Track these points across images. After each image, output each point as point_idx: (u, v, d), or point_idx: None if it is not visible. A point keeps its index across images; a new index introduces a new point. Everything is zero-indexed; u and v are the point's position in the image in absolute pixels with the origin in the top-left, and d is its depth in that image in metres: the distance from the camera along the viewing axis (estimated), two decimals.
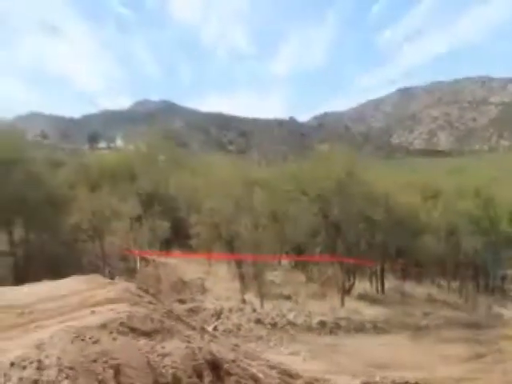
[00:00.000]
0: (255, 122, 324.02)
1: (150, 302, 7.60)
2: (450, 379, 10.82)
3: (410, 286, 26.10)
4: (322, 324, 15.40)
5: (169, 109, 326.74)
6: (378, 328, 16.56)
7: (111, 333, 5.34)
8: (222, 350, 7.05)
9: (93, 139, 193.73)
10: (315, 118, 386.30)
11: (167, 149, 43.56)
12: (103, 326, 5.44)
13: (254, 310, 15.68)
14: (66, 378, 4.14)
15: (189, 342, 6.10)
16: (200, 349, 5.88)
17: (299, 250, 25.99)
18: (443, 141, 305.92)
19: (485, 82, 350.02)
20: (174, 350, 5.49)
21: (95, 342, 4.84)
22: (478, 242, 27.52)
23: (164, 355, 5.29)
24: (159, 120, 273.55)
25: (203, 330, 8.85)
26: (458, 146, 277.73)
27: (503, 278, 34.24)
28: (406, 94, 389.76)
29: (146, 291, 8.88)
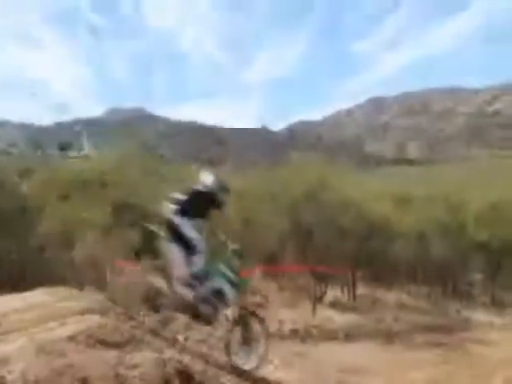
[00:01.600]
0: (229, 130, 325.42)
1: (120, 313, 7.55)
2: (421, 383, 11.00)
3: (381, 293, 26.40)
4: (294, 332, 15.44)
5: (143, 117, 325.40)
6: (349, 335, 16.67)
7: (78, 345, 5.28)
8: (192, 360, 7.04)
9: (64, 147, 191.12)
10: (288, 126, 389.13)
11: (140, 157, 43.18)
12: (70, 339, 5.38)
13: (227, 319, 15.61)
14: None
15: (159, 352, 6.08)
16: (170, 359, 5.87)
17: (270, 259, 26.05)
18: (414, 150, 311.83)
19: (453, 92, 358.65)
20: (144, 361, 5.47)
21: (62, 355, 4.79)
22: (447, 247, 28.10)
23: (133, 367, 5.27)
24: (133, 128, 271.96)
25: (174, 340, 8.81)
26: (428, 155, 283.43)
27: (471, 283, 34.99)
28: (377, 103, 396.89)
29: (116, 302, 8.81)
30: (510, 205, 32.73)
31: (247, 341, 7.24)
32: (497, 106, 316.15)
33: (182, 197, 6.61)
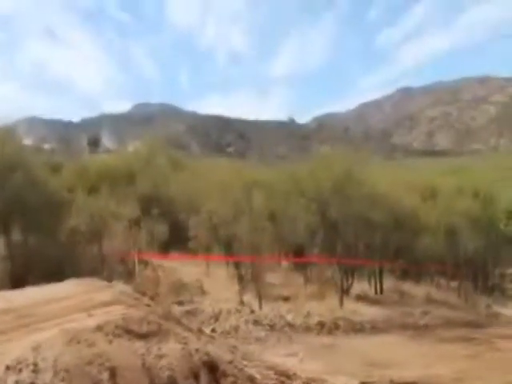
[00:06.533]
0: (255, 123, 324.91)
1: (147, 305, 7.66)
2: (449, 378, 10.84)
3: (408, 286, 26.10)
4: (321, 324, 15.41)
5: (168, 111, 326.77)
6: (376, 328, 16.57)
7: (107, 335, 5.38)
8: (219, 351, 7.10)
9: (92, 143, 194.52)
10: (315, 119, 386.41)
11: (166, 151, 43.64)
12: (99, 329, 5.48)
13: (253, 312, 15.68)
14: (62, 380, 4.20)
15: (185, 343, 6.15)
16: (197, 350, 5.93)
17: (298, 251, 26.02)
18: (442, 140, 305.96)
19: (484, 81, 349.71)
20: (170, 352, 5.54)
21: (91, 345, 4.89)
22: (477, 241, 27.58)
23: (160, 357, 5.34)
24: (159, 123, 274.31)
25: (200, 331, 8.90)
26: (457, 146, 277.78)
27: (502, 277, 34.35)
28: (405, 94, 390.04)
29: (144, 294, 8.95)
30: None
31: None
32: None
33: None
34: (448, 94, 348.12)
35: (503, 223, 32.86)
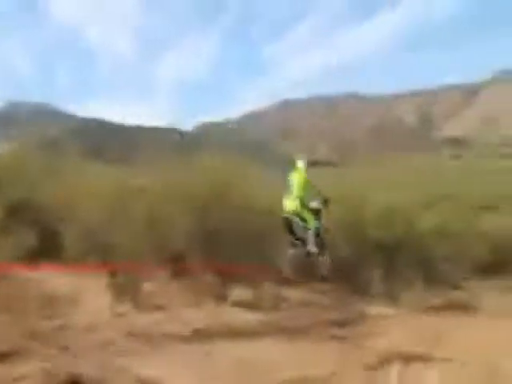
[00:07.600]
0: (138, 129, 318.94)
1: (7, 322, 7.20)
2: (321, 379, 11.41)
3: (286, 291, 26.97)
4: (197, 332, 15.41)
5: (46, 113, 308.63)
6: (254, 333, 16.92)
7: None
8: (88, 367, 6.86)
9: None
10: (196, 127, 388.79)
11: (40, 155, 41.03)
12: None
13: (128, 323, 15.28)
14: None
15: (49, 362, 5.88)
16: (62, 368, 5.70)
17: (177, 259, 25.83)
18: (321, 152, 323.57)
19: (360, 97, 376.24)
20: (32, 372, 5.27)
21: None
22: (349, 246, 29.40)
23: (20, 378, 5.07)
24: (35, 124, 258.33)
25: (68, 348, 8.53)
26: (335, 158, 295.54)
27: (370, 279, 36.97)
28: (286, 106, 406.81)
29: (4, 310, 8.39)
30: (404, 205, 35.11)
31: None
32: (401, 111, 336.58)
33: None
34: (325, 107, 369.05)
35: (371, 229, 35.40)
